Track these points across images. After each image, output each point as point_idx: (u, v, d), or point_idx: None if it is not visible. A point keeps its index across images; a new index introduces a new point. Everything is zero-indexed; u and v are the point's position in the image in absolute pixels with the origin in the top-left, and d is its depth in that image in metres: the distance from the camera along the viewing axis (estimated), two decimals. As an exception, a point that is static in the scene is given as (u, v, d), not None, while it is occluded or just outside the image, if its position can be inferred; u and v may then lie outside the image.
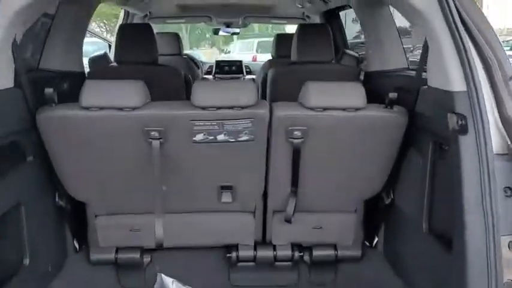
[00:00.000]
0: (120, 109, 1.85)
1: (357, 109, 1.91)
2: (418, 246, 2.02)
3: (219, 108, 1.88)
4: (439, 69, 1.72)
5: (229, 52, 15.90)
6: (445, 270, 1.72)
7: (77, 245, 2.35)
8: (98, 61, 3.04)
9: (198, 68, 5.06)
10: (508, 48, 17.79)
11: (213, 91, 1.93)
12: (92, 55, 3.11)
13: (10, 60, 1.77)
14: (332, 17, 3.94)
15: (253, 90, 1.93)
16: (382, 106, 1.97)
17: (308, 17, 4.40)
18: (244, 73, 5.22)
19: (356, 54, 3.26)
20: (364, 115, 1.92)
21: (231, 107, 1.88)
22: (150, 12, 4.28)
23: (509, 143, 1.53)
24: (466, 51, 1.58)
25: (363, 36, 3.57)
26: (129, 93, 1.86)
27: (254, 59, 11.54)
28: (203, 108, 1.87)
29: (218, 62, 5.29)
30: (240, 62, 5.36)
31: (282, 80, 2.89)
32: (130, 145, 1.95)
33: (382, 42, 2.80)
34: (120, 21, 4.16)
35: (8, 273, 1.80)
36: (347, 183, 2.16)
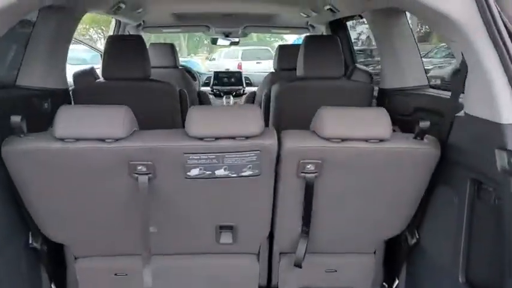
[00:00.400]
0: (102, 140, 1.56)
1: (381, 140, 1.62)
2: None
3: (218, 138, 1.59)
4: (483, 95, 1.44)
5: (214, 59, 16.01)
6: None
7: (52, 289, 2.04)
8: (84, 77, 2.75)
9: (195, 79, 4.77)
10: None
11: (211, 118, 1.63)
12: (77, 70, 2.81)
13: None
14: (339, 27, 3.66)
15: (258, 116, 1.64)
16: (410, 135, 1.68)
17: (312, 26, 4.12)
18: (244, 85, 4.93)
19: (368, 70, 2.97)
20: (390, 147, 1.63)
21: (233, 137, 1.59)
22: (143, 21, 3.99)
23: None
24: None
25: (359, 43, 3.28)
26: (111, 121, 1.57)
27: (239, 67, 11.89)
28: (200, 138, 1.58)
29: (216, 73, 4.99)
30: (240, 73, 5.06)
31: (288, 98, 2.61)
32: (114, 181, 1.65)
33: (399, 55, 2.52)
34: (111, 32, 3.86)
35: None
36: (366, 222, 1.87)
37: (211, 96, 4.57)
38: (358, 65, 2.95)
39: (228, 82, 4.96)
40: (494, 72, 1.38)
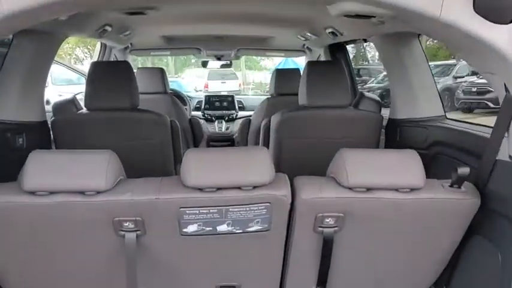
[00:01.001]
0: (81, 193, 1.29)
1: (413, 189, 1.38)
2: None
3: (220, 189, 1.34)
4: None
5: (180, 76, 17.09)
6: None
7: None
8: (65, 107, 2.49)
9: (185, 104, 4.52)
10: None
11: (212, 164, 1.38)
12: (58, 100, 2.55)
13: None
14: (339, 50, 3.45)
15: (268, 160, 1.39)
16: (445, 182, 1.44)
17: (309, 49, 3.91)
18: (237, 109, 4.69)
19: (376, 98, 2.75)
20: (424, 198, 1.39)
21: (238, 187, 1.34)
22: (131, 44, 3.75)
23: None
24: None
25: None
26: (93, 170, 1.30)
27: (206, 86, 13.63)
28: (198, 189, 1.33)
29: (208, 97, 4.74)
30: (232, 96, 4.82)
31: (291, 129, 2.37)
32: (96, 239, 1.39)
33: (412, 83, 2.31)
34: (95, 55, 3.61)
35: None
36: (391, 280, 1.62)
37: (202, 121, 4.32)
38: (365, 93, 2.72)
39: (220, 106, 4.72)
40: None
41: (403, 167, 1.40)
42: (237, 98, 4.90)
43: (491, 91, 17.26)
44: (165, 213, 1.34)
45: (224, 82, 14.08)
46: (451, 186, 1.42)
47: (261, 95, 6.84)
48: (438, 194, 1.40)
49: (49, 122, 2.30)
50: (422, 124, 2.21)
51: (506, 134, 1.40)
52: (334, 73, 2.44)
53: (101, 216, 1.33)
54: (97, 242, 1.39)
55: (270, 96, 3.59)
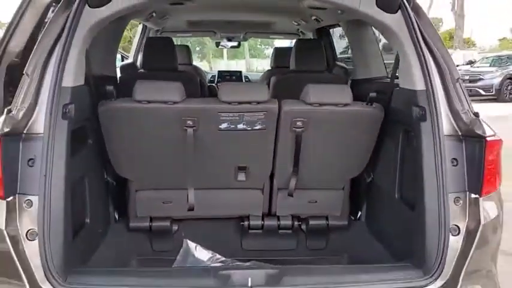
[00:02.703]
0: (165, 102, 2.40)
1: (345, 105, 2.49)
2: (392, 213, 2.59)
3: (240, 103, 2.44)
4: (407, 75, 2.31)
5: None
6: (411, 226, 2.27)
7: (116, 216, 2.88)
8: (128, 68, 3.61)
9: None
10: (488, 64, 18.71)
11: (236, 89, 2.50)
12: (123, 63, 3.70)
13: (83, 65, 2.31)
14: (324, 33, 4.56)
15: (266, 90, 2.50)
16: (365, 103, 2.55)
17: (303, 33, 5.03)
18: (244, 81, 5.83)
19: (345, 66, 3.87)
20: (351, 110, 2.50)
21: (250, 102, 2.44)
22: (163, 28, 4.87)
23: (455, 127, 2.11)
24: (426, 62, 2.17)
25: (349, 51, 4.19)
26: (172, 90, 2.41)
27: None
28: (228, 103, 2.43)
29: (220, 72, 5.89)
30: (240, 72, 5.97)
31: (284, 85, 3.47)
32: (170, 132, 2.49)
33: (366, 56, 3.40)
34: (137, 35, 4.74)
35: (76, 227, 2.32)
36: (337, 164, 2.73)
37: None
38: (337, 63, 3.84)
39: (230, 79, 5.85)
40: (413, 62, 2.25)
41: (340, 93, 2.51)
42: (244, 73, 6.05)
43: (483, 79, 18.33)
44: (210, 116, 2.45)
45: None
46: (367, 104, 2.53)
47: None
48: (359, 108, 2.51)
49: None
50: (371, 81, 3.31)
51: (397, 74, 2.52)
52: (314, 48, 3.56)
53: (174, 117, 2.43)
54: (171, 133, 2.49)
55: (270, 68, 4.72)
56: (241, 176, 2.73)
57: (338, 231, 2.93)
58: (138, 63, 4.47)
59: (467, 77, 18.50)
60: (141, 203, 2.78)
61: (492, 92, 17.58)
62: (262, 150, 2.65)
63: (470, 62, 22.11)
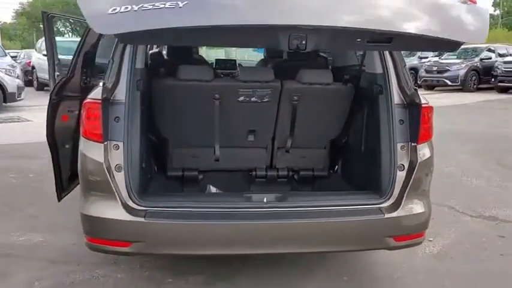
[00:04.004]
0: (200, 81, 3.35)
1: (328, 84, 3.47)
2: (359, 162, 3.59)
3: (254, 81, 3.40)
4: (371, 63, 3.31)
5: None
6: (371, 168, 3.26)
7: (155, 168, 3.82)
8: (156, 56, 4.54)
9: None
10: (455, 56, 19.96)
11: (251, 72, 3.46)
12: (151, 51, 4.64)
13: (144, 53, 3.24)
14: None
15: (272, 72, 3.47)
16: (341, 84, 3.54)
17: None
18: (238, 68, 6.78)
19: (326, 56, 4.86)
20: (331, 87, 3.49)
21: (260, 81, 3.40)
22: None
23: (402, 98, 3.10)
24: (383, 54, 3.17)
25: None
26: (205, 72, 3.36)
27: None
28: (245, 81, 3.39)
29: (217, 60, 6.85)
30: (234, 61, 6.93)
31: (280, 70, 4.43)
32: (202, 103, 3.43)
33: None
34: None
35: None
36: (321, 128, 3.73)
37: None
38: (321, 53, 4.83)
39: (225, 67, 6.79)
40: (375, 54, 3.24)
41: (324, 76, 3.49)
42: (237, 62, 6.99)
43: (450, 70, 19.58)
44: (232, 91, 3.40)
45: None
46: (343, 84, 3.52)
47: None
48: (337, 86, 3.50)
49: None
50: (346, 68, 4.30)
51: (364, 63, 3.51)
52: None
53: (206, 92, 3.37)
54: (203, 104, 3.42)
55: (263, 58, 5.68)
56: (251, 137, 3.70)
57: (320, 179, 3.93)
58: (164, 52, 5.42)
59: (435, 68, 19.76)
60: (176, 158, 3.72)
61: (458, 82, 18.85)
62: (268, 117, 3.62)
63: (440, 54, 23.40)
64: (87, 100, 2.85)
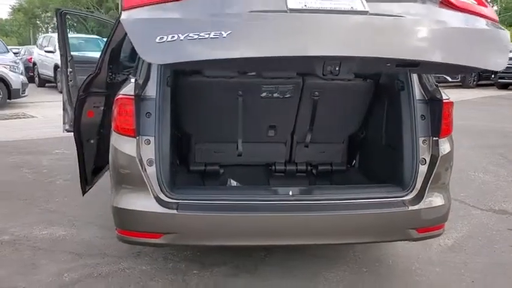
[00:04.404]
0: (224, 77, 3.42)
1: (349, 80, 3.55)
2: (379, 155, 3.67)
3: (275, 78, 3.47)
4: None
5: None
6: (393, 161, 3.34)
7: (178, 162, 3.89)
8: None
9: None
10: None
11: None
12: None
13: None
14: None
15: None
16: (362, 80, 3.63)
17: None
18: None
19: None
20: (352, 83, 3.57)
21: (282, 77, 3.48)
22: None
23: (423, 94, 3.19)
24: None
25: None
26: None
27: None
28: (268, 77, 3.46)
29: None
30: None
31: None
32: (226, 99, 3.50)
33: None
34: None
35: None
36: (340, 124, 3.81)
37: None
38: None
39: None
40: None
41: None
42: None
43: (449, 67, 19.68)
44: (255, 87, 3.46)
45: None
46: (363, 80, 3.60)
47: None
48: (358, 82, 3.58)
49: None
50: None
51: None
52: None
53: (230, 88, 3.44)
54: (226, 100, 3.48)
55: None
56: (271, 132, 3.79)
57: (338, 173, 4.01)
58: None
59: (435, 65, 19.89)
60: (199, 152, 3.80)
61: (457, 78, 18.98)
62: (288, 112, 3.70)
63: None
64: (120, 96, 2.91)
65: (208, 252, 3.70)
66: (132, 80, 2.93)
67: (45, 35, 22.23)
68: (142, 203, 2.86)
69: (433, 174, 3.07)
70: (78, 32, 24.86)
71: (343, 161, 4.01)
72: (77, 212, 4.54)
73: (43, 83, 17.43)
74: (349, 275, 3.52)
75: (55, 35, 19.73)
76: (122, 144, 2.90)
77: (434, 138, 3.10)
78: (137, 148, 2.86)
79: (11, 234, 4.07)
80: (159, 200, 2.85)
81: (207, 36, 2.19)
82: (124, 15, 2.44)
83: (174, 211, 2.82)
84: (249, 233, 2.91)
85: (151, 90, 2.94)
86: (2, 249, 3.80)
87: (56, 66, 15.85)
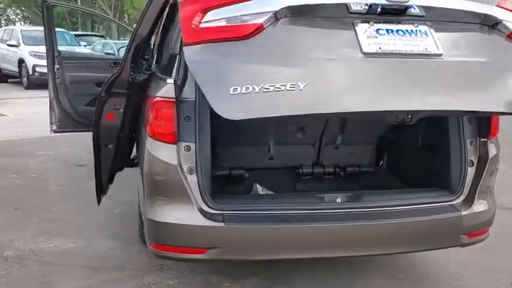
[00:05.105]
0: None
1: None
2: (414, 158, 3.54)
3: None
4: None
5: None
6: (439, 164, 3.18)
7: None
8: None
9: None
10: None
11: None
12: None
13: None
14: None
15: None
16: None
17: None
18: None
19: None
20: None
21: None
22: None
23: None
24: None
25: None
26: None
27: None
28: None
29: None
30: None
31: None
32: None
33: None
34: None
35: None
36: (369, 125, 3.65)
37: None
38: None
39: None
40: None
41: None
42: None
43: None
44: None
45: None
46: None
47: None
48: None
49: None
50: None
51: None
52: None
53: None
54: None
55: None
56: (299, 134, 3.59)
57: (367, 175, 3.86)
58: None
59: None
60: (223, 156, 3.56)
61: None
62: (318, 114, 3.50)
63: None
64: (157, 99, 2.65)
65: (236, 263, 3.48)
66: (170, 81, 2.67)
67: (5, 28, 21.11)
68: (185, 215, 2.61)
69: (482, 177, 2.95)
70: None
71: (371, 162, 3.86)
72: (82, 221, 4.21)
73: (5, 78, 16.53)
74: (385, 282, 3.38)
75: (17, 28, 19.06)
76: (160, 152, 2.64)
77: (482, 140, 2.99)
78: (177, 155, 2.61)
79: (15, 249, 3.70)
80: (203, 212, 2.61)
81: (283, 88, 2.07)
82: (187, 53, 2.26)
83: (221, 224, 2.59)
84: (300, 246, 2.71)
85: (190, 92, 2.68)
86: (8, 266, 3.45)
87: (20, 61, 15.15)
